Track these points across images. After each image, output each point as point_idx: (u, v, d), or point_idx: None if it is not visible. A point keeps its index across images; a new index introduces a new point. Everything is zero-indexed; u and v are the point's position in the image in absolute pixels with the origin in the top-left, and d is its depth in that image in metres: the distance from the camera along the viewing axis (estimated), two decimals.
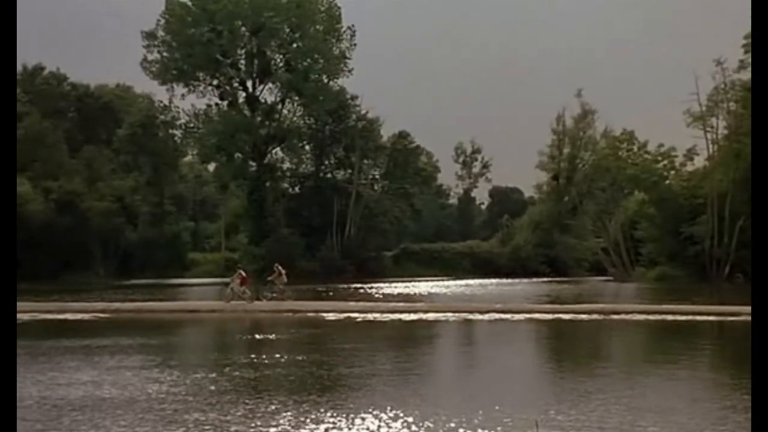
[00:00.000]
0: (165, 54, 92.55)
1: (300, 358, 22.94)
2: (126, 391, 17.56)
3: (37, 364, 22.01)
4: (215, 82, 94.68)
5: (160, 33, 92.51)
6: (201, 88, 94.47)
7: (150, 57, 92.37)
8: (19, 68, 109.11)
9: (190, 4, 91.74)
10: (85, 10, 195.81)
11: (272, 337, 30.78)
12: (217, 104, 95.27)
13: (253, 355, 23.96)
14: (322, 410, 15.24)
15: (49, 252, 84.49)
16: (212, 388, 17.99)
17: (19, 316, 38.57)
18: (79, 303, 45.01)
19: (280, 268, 47.21)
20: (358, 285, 67.96)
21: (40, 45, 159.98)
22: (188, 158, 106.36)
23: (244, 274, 46.16)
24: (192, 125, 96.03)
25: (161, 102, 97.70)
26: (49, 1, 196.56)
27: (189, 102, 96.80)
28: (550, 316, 37.83)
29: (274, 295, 46.05)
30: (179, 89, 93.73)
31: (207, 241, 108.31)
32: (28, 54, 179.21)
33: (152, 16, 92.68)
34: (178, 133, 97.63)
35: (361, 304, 44.73)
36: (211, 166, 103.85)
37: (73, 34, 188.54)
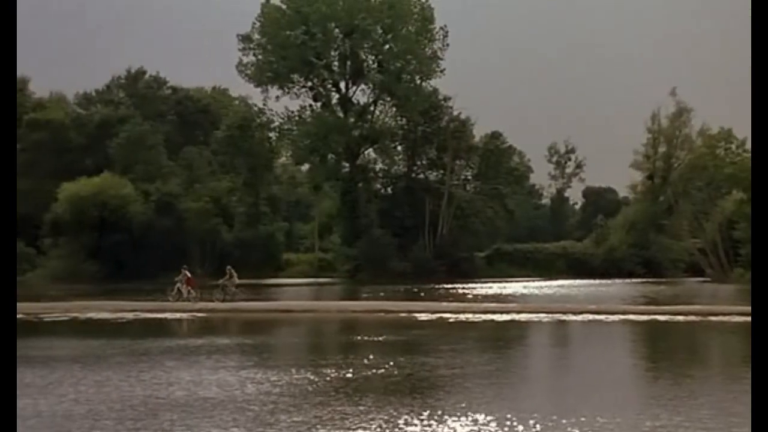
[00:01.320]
0: (260, 57, 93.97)
1: (393, 358, 23.07)
2: (226, 391, 17.96)
3: (139, 363, 22.62)
4: (309, 84, 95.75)
5: (256, 36, 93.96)
6: (295, 90, 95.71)
7: (245, 60, 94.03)
8: (122, 72, 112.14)
9: (284, 7, 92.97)
10: (184, 15, 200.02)
11: (366, 338, 31.06)
12: (310, 106, 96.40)
13: (347, 356, 24.17)
14: (416, 412, 15.38)
15: (150, 252, 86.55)
16: (309, 388, 18.31)
17: (123, 314, 39.88)
18: (178, 303, 46.07)
19: (231, 270, 48.37)
20: (450, 286, 67.99)
21: (142, 50, 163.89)
22: (283, 159, 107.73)
23: (188, 275, 47.01)
24: (286, 127, 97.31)
25: (256, 104, 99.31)
26: (150, 7, 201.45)
27: (283, 104, 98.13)
28: (645, 318, 37.36)
29: (227, 297, 46.65)
30: (274, 91, 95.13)
31: (301, 242, 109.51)
32: (130, 59, 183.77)
33: (248, 20, 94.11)
34: (273, 134, 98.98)
35: (453, 304, 44.81)
36: (305, 167, 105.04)
37: (173, 39, 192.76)
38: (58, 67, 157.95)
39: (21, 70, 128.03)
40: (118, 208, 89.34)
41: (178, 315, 39.93)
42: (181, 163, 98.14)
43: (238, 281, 47.84)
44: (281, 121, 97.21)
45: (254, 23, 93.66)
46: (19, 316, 39.72)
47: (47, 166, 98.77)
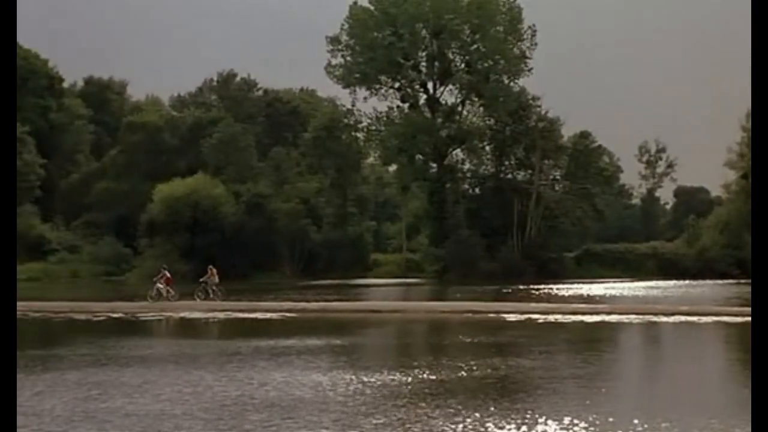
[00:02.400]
0: (348, 58, 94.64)
1: (482, 360, 23.05)
2: (317, 392, 18.21)
3: (232, 363, 23.04)
4: (396, 85, 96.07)
5: (344, 38, 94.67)
6: (383, 91, 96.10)
7: (334, 62, 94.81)
8: (214, 75, 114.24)
9: (372, 8, 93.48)
10: (274, 18, 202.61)
11: (454, 339, 31.12)
12: (398, 106, 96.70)
13: (436, 357, 24.24)
14: (503, 415, 15.42)
15: (240, 252, 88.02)
16: (398, 390, 18.45)
17: (215, 314, 40.68)
18: (268, 302, 46.77)
19: (212, 269, 48.94)
20: (539, 286, 67.55)
21: (234, 52, 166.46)
22: (370, 160, 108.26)
23: (168, 274, 47.32)
24: (374, 128, 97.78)
25: (344, 105, 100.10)
26: (241, 11, 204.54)
27: (371, 105, 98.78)
28: (740, 319, 36.57)
29: (211, 295, 47.14)
30: (362, 92, 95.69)
31: (388, 242, 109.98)
32: (223, 62, 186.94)
33: (336, 22, 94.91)
34: (360, 135, 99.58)
35: (542, 305, 44.56)
36: (393, 168, 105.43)
37: (264, 42, 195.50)
38: (154, 71, 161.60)
39: (120, 75, 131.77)
40: (210, 209, 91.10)
41: (268, 315, 40.49)
42: (270, 164, 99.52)
43: (218, 280, 48.46)
44: (369, 121, 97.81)
45: (342, 25, 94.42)
46: (116, 315, 41.04)
47: (143, 168, 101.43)
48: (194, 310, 42.21)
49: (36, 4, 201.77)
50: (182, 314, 40.76)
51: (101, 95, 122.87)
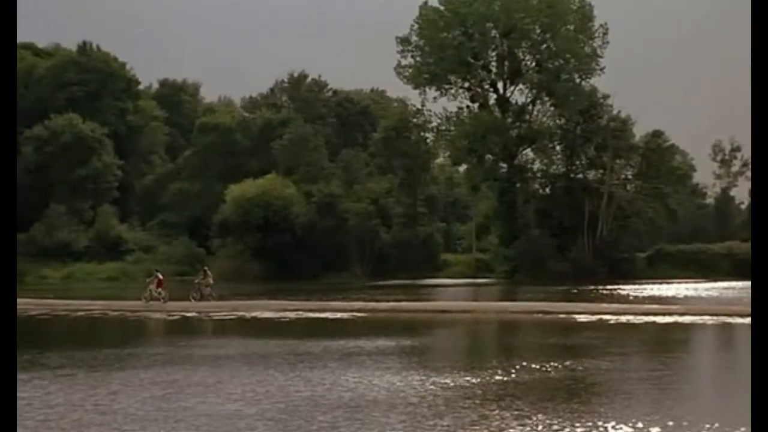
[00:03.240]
0: (418, 59, 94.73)
1: (553, 361, 22.95)
2: (388, 393, 18.35)
3: (303, 363, 23.29)
4: (466, 85, 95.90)
5: (414, 38, 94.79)
6: (452, 91, 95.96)
7: (404, 62, 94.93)
8: (285, 76, 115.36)
9: (442, 9, 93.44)
10: (345, 19, 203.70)
11: (525, 339, 31.06)
12: (468, 106, 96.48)
13: (507, 358, 24.23)
14: (569, 418, 15.40)
15: (311, 252, 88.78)
16: (467, 391, 18.52)
17: (286, 314, 41.17)
18: (338, 302, 47.16)
19: (206, 270, 50.17)
20: (610, 287, 66.90)
21: (305, 54, 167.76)
22: (440, 160, 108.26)
23: (160, 276, 48.07)
24: (443, 128, 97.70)
25: (414, 105, 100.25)
26: (312, 13, 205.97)
27: (441, 105, 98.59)
28: None
29: (203, 296, 47.59)
30: (431, 92, 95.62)
31: (458, 243, 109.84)
32: (294, 63, 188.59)
33: (406, 23, 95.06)
34: (430, 135, 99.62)
35: (613, 305, 44.18)
36: (462, 168, 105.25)
37: (334, 42, 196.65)
38: (226, 73, 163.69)
39: (193, 77, 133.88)
40: (281, 209, 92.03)
41: (338, 315, 40.83)
42: (340, 165, 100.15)
43: (212, 281, 49.23)
44: (439, 121, 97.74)
45: (412, 25, 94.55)
46: (191, 314, 41.82)
47: (216, 168, 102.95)
48: (267, 310, 42.73)
49: (113, 8, 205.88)
50: (254, 314, 41.31)
51: (175, 97, 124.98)
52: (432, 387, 19.07)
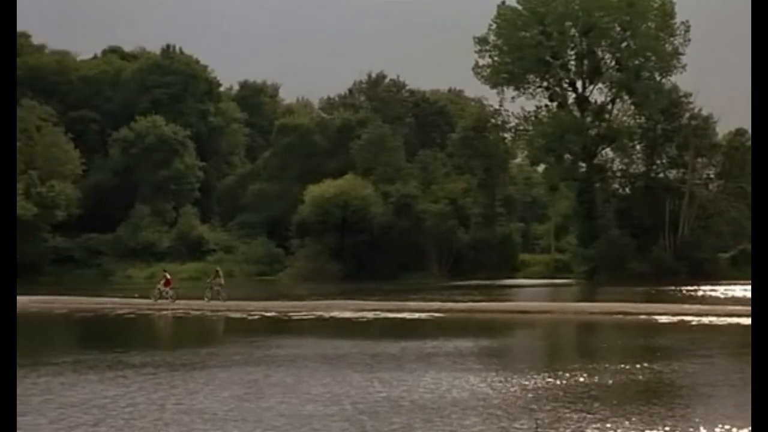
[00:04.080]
0: (496, 58, 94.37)
1: (634, 363, 22.69)
2: (467, 394, 18.39)
3: (381, 364, 23.43)
4: (545, 84, 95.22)
5: (492, 38, 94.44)
6: (530, 91, 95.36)
7: (481, 62, 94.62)
8: (363, 77, 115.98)
9: (520, 8, 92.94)
10: (423, 19, 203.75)
11: (605, 341, 30.84)
12: (546, 106, 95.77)
13: (587, 360, 23.99)
14: (647, 421, 15.26)
15: (389, 253, 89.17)
16: (547, 393, 18.44)
17: (363, 314, 41.51)
18: (416, 302, 47.30)
19: (218, 271, 51.64)
20: (692, 287, 65.85)
21: (383, 54, 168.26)
22: (518, 160, 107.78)
23: (168, 276, 50.27)
24: (522, 127, 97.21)
25: (492, 105, 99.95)
26: (389, 14, 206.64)
27: (519, 104, 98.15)
28: None
29: (217, 296, 48.42)
30: (509, 92, 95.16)
31: (536, 243, 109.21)
32: (372, 64, 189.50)
33: (484, 22, 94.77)
34: (508, 135, 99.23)
35: (695, 307, 43.50)
36: (541, 168, 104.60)
37: (411, 43, 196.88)
38: (304, 74, 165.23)
39: (272, 79, 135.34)
40: (359, 209, 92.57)
41: (416, 315, 40.99)
42: (417, 165, 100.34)
43: (223, 282, 50.26)
44: (517, 121, 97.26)
45: (490, 25, 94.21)
46: (270, 314, 42.38)
47: (295, 169, 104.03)
48: (345, 310, 43.12)
49: (196, 12, 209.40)
50: (332, 314, 41.72)
51: (255, 99, 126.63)
52: (513, 388, 19.07)
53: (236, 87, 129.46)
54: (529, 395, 18.28)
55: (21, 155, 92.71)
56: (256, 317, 40.67)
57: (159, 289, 49.42)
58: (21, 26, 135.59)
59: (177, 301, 48.13)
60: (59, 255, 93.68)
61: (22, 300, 48.79)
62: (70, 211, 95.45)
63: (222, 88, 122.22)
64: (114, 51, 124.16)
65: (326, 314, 41.61)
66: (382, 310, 42.96)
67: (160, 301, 48.09)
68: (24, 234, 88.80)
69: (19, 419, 15.68)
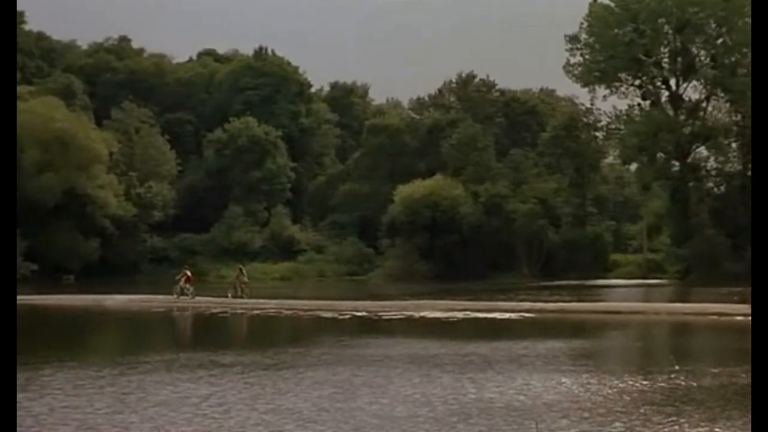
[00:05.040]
0: (587, 57, 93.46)
1: (728, 366, 22.33)
2: (559, 396, 18.33)
3: (473, 364, 23.40)
4: (637, 82, 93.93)
5: (583, 36, 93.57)
6: (623, 89, 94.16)
7: (573, 60, 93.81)
8: (453, 77, 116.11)
9: (613, 5, 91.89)
10: (512, 18, 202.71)
11: (700, 342, 30.42)
12: (639, 104, 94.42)
13: (681, 362, 23.51)
14: (738, 427, 15.08)
15: (478, 253, 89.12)
16: (642, 396, 18.23)
17: (453, 314, 41.61)
18: (506, 303, 47.16)
19: (241, 269, 53.42)
20: None
21: (472, 54, 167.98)
22: (609, 159, 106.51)
23: (189, 273, 51.26)
24: (613, 126, 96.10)
25: (583, 104, 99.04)
26: (479, 14, 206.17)
27: (611, 103, 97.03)
28: None
29: (239, 293, 50.39)
30: (601, 91, 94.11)
31: (628, 243, 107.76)
32: (461, 64, 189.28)
33: (575, 21, 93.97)
34: (599, 134, 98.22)
35: None
36: (633, 167, 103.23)
37: (501, 42, 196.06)
38: (395, 74, 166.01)
39: (361, 79, 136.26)
40: (449, 209, 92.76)
41: (506, 315, 40.87)
42: (508, 165, 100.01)
43: (247, 279, 52.31)
44: (608, 120, 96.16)
45: (582, 23, 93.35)
46: (360, 314, 42.73)
47: (385, 169, 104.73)
48: (435, 310, 43.31)
49: (287, 14, 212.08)
50: (422, 313, 41.92)
51: (346, 99, 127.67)
52: (606, 391, 18.90)
53: (327, 88, 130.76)
54: (626, 397, 18.10)
55: (121, 157, 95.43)
56: (347, 317, 41.04)
57: (180, 285, 50.77)
58: (121, 30, 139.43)
59: (196, 298, 50.07)
60: (156, 254, 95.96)
61: (122, 299, 50.53)
62: (167, 211, 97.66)
63: (313, 90, 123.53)
64: (208, 53, 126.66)
65: (416, 314, 41.77)
66: (472, 310, 42.93)
67: (181, 298, 49.80)
68: (124, 234, 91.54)
69: (114, 417, 16.35)
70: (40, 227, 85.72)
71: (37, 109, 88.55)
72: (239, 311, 45.31)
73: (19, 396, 18.34)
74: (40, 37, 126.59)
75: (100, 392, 19.19)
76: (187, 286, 50.79)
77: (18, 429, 15.07)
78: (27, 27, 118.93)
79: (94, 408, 17.27)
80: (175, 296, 50.19)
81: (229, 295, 50.79)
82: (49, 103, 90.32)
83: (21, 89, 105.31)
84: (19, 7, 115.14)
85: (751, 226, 59.53)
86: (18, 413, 16.36)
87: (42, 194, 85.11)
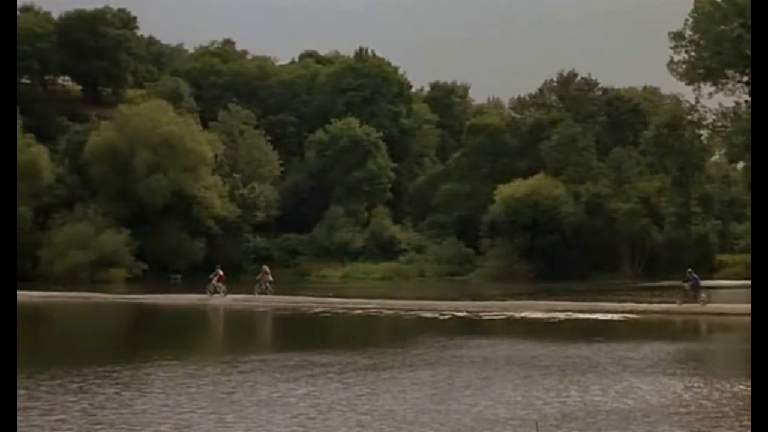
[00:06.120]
0: (692, 54, 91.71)
1: None
2: (665, 401, 18.06)
3: (574, 367, 23.22)
4: (744, 79, 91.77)
5: (688, 33, 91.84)
6: (729, 86, 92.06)
7: (677, 58, 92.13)
8: (554, 76, 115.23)
9: (719, 0, 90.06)
10: (615, 17, 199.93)
11: None
12: (746, 101, 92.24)
13: None
14: None
15: (580, 253, 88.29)
16: (746, 402, 17.85)
17: (554, 314, 41.38)
18: (608, 303, 46.60)
19: (266, 268, 54.69)
20: None
21: (574, 53, 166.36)
22: (715, 158, 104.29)
23: (221, 272, 52.57)
24: (719, 124, 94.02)
25: (688, 102, 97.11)
26: (580, 11, 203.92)
27: (716, 101, 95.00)
28: None
29: (264, 291, 52.08)
30: (706, 88, 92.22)
31: (735, 243, 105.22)
32: (563, 63, 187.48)
33: (680, 18, 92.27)
34: (704, 132, 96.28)
35: None
36: (740, 165, 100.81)
37: (604, 40, 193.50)
38: (495, 74, 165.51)
39: (461, 79, 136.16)
40: (549, 209, 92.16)
41: (608, 316, 40.52)
42: (609, 164, 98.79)
43: (271, 278, 53.64)
44: (714, 118, 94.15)
45: (686, 20, 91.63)
46: (460, 314, 42.80)
47: (485, 169, 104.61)
48: (535, 311, 43.19)
49: (384, 14, 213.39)
50: (523, 314, 41.83)
51: (446, 99, 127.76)
52: (716, 395, 18.59)
53: (427, 88, 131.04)
54: (738, 402, 17.75)
55: (226, 158, 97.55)
56: (447, 317, 41.15)
57: (213, 284, 52.36)
58: (225, 34, 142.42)
59: (227, 296, 51.67)
60: (259, 255, 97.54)
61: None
62: (270, 212, 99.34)
63: (413, 90, 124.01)
64: (310, 55, 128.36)
65: (517, 314, 41.68)
66: (573, 311, 42.63)
67: (214, 296, 51.48)
68: (228, 234, 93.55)
69: (211, 416, 16.59)
70: (150, 228, 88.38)
71: (147, 112, 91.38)
72: (340, 311, 45.80)
73: (123, 393, 19.17)
74: (151, 41, 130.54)
75: (199, 391, 19.55)
76: (220, 284, 52.58)
77: (120, 425, 15.73)
78: (139, 32, 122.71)
79: (193, 407, 17.63)
80: (208, 294, 52.04)
81: (256, 292, 52.61)
82: (158, 106, 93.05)
83: (132, 93, 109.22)
84: (132, 13, 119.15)
85: (751, 226, 57.25)
86: (121, 410, 17.13)
87: (151, 195, 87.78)
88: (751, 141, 60.33)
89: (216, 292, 52.11)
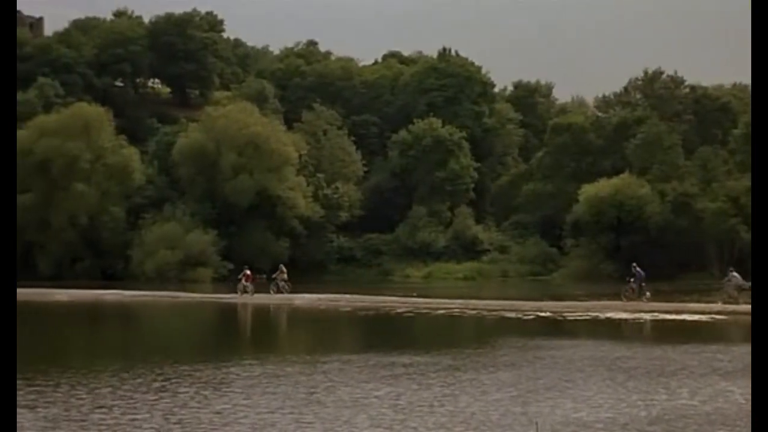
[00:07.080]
0: None
1: None
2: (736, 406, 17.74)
3: (661, 368, 22.93)
4: None
5: None
6: None
7: None
8: (639, 74, 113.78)
9: None
10: (701, 15, 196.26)
11: None
12: None
13: None
14: None
15: (666, 253, 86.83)
16: None
17: (640, 315, 40.98)
18: (696, 304, 46.04)
19: (282, 267, 55.84)
20: None
21: (660, 51, 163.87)
22: None
23: (248, 272, 54.59)
24: None
25: None
26: (666, 9, 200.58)
27: None
28: None
29: (281, 290, 53.64)
30: None
31: None
32: (648, 61, 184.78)
33: None
34: None
35: None
36: None
37: (691, 38, 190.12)
38: (579, 73, 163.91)
39: (545, 78, 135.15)
40: (634, 209, 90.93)
41: (696, 317, 40.08)
42: (696, 163, 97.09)
43: (287, 277, 54.96)
44: None
45: None
46: (544, 314, 42.62)
47: (569, 169, 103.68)
48: (620, 311, 42.81)
49: (467, 14, 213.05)
50: (608, 314, 41.53)
51: (529, 99, 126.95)
52: None
53: (510, 88, 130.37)
54: None
55: (310, 159, 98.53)
56: (530, 317, 41.04)
57: (243, 284, 54.11)
58: (309, 35, 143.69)
59: (255, 295, 53.43)
60: (342, 255, 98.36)
61: (310, 298, 52.33)
62: (353, 212, 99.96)
63: (496, 89, 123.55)
64: (393, 56, 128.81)
65: (601, 315, 41.43)
66: (659, 312, 42.26)
67: (243, 295, 53.25)
68: (312, 234, 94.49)
69: (288, 416, 16.69)
70: (236, 228, 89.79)
71: (234, 114, 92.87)
72: (423, 311, 45.92)
73: (204, 391, 19.63)
74: (237, 44, 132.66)
75: (279, 391, 19.76)
76: (248, 284, 54.28)
77: (199, 424, 16.03)
78: (225, 35, 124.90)
79: (271, 407, 17.84)
80: (239, 294, 53.82)
81: (271, 291, 54.35)
82: (243, 108, 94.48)
83: (219, 95, 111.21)
84: (219, 16, 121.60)
85: (751, 226, 55.60)
86: (200, 409, 17.47)
87: (237, 196, 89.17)
88: (751, 137, 58.83)
89: (245, 291, 53.95)
